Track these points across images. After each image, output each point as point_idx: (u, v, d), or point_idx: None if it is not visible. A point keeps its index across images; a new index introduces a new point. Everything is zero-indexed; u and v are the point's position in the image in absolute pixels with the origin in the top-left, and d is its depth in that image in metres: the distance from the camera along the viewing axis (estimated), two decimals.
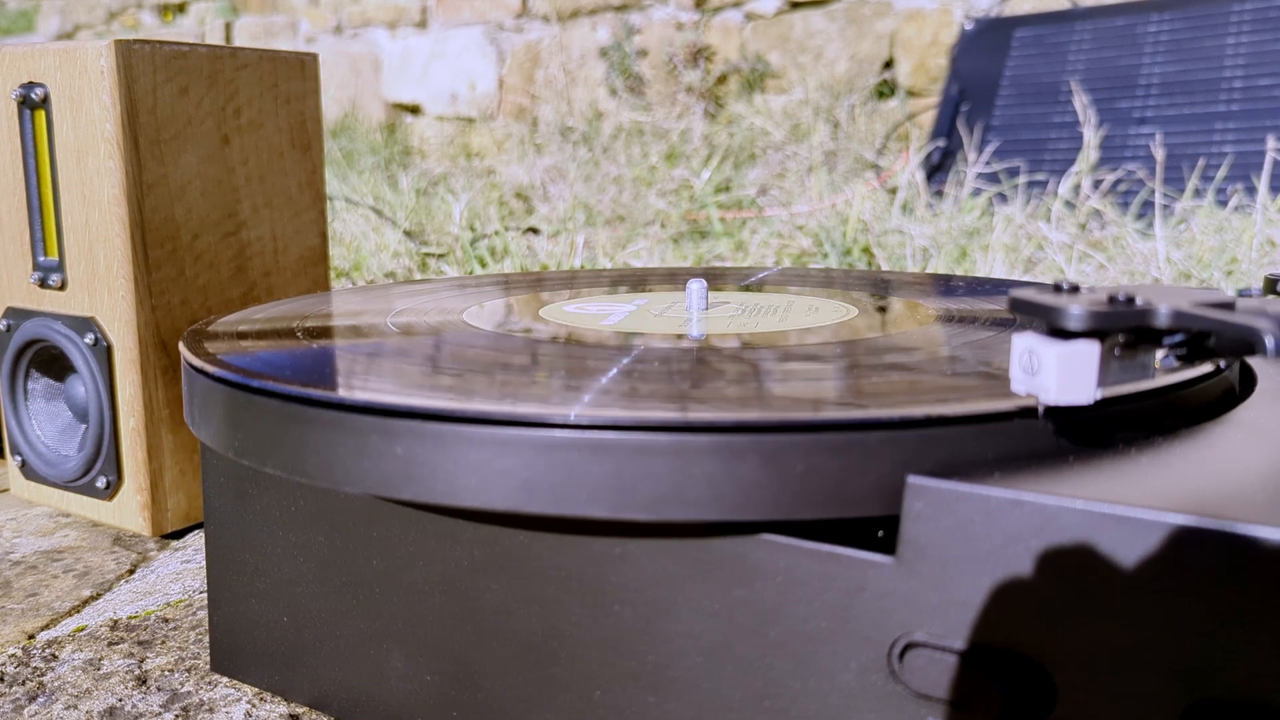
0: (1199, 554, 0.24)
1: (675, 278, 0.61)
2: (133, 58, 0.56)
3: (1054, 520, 0.26)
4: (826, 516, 0.29)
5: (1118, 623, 0.25)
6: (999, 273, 1.15)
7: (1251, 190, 1.26)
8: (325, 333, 0.44)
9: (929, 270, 1.21)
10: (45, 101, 0.58)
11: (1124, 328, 0.25)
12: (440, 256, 1.51)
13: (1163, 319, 0.25)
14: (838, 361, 0.37)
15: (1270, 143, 1.27)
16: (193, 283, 0.60)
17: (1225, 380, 0.36)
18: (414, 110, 2.55)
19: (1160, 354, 0.27)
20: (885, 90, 1.98)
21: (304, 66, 0.65)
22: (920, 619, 0.28)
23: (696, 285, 0.46)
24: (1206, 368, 0.33)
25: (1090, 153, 1.38)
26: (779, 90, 2.04)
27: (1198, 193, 1.26)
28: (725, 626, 0.30)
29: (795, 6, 2.03)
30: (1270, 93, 1.41)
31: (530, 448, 0.30)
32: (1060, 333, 0.26)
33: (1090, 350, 0.25)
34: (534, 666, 0.34)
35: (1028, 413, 0.29)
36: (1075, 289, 0.27)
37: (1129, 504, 0.25)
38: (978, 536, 0.27)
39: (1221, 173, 1.31)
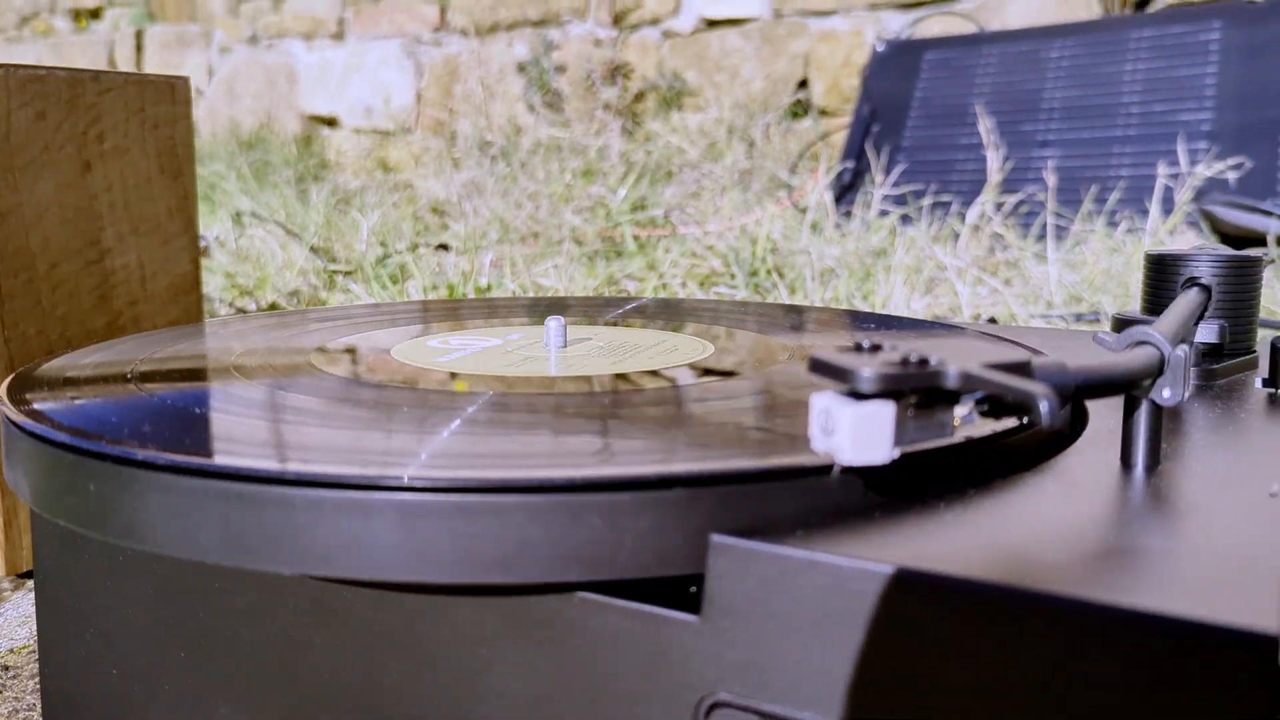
0: (985, 614, 0.24)
1: (537, 308, 0.61)
2: None
3: (847, 581, 0.25)
4: (643, 576, 0.29)
5: (905, 684, 0.25)
6: (899, 294, 1.17)
7: (1144, 213, 1.29)
8: (156, 377, 0.43)
9: (829, 293, 1.22)
10: None
11: (916, 389, 0.25)
12: (348, 274, 1.48)
13: (952, 380, 0.25)
14: (668, 410, 0.37)
15: (1161, 168, 1.30)
16: (50, 313, 0.58)
17: (1042, 431, 0.36)
18: (331, 123, 2.51)
19: (962, 411, 0.27)
20: (800, 110, 2.00)
21: (174, 90, 0.64)
22: (725, 678, 0.27)
23: (554, 324, 0.45)
24: (1011, 423, 0.33)
25: (994, 176, 1.41)
26: (696, 108, 2.05)
27: (1093, 216, 1.30)
28: (541, 684, 0.30)
29: (712, 25, 2.05)
30: (1164, 118, 1.45)
31: (345, 511, 0.29)
32: (856, 394, 0.26)
33: (884, 411, 0.25)
34: None
35: (843, 472, 0.29)
36: (876, 348, 0.27)
37: (918, 564, 0.25)
38: (777, 596, 0.26)
39: (1115, 196, 1.35)
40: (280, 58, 2.55)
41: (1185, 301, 0.41)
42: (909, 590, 0.25)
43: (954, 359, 0.26)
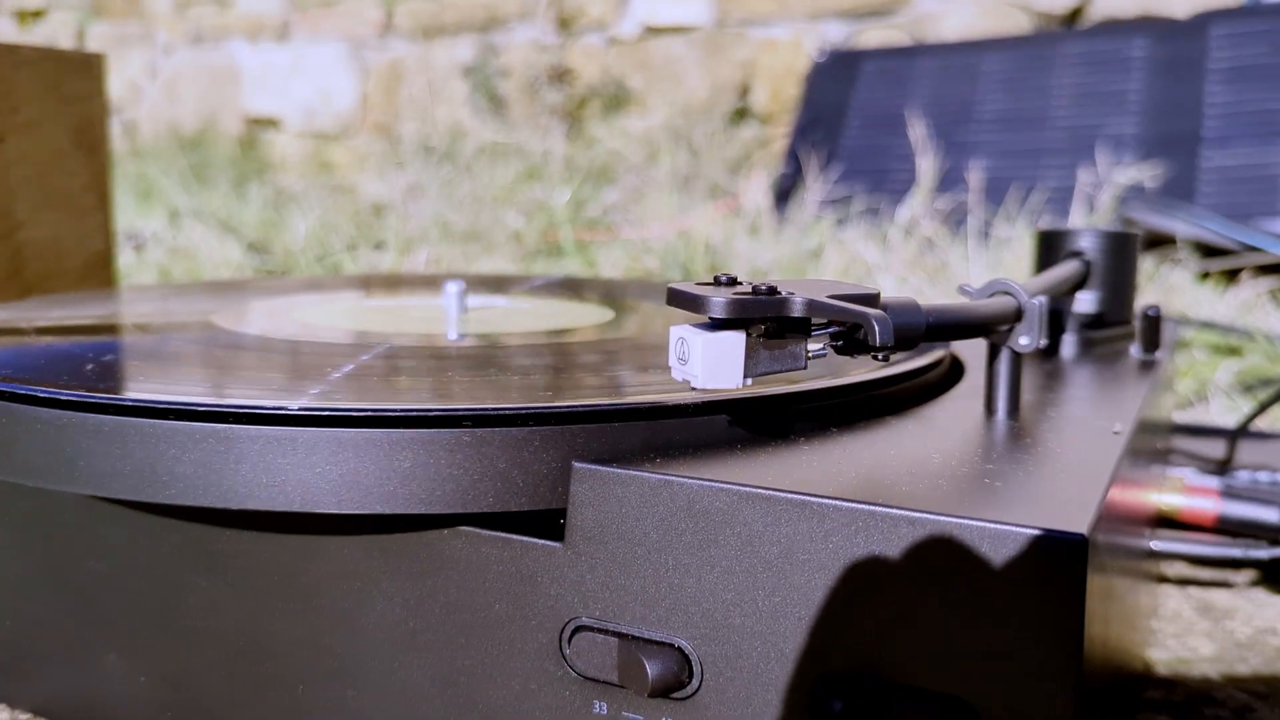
0: (825, 532, 0.25)
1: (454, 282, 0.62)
2: None
3: (699, 500, 0.27)
4: (517, 509, 0.30)
5: (753, 600, 0.26)
6: None
7: (1065, 217, 1.33)
8: (56, 331, 0.43)
9: None
10: None
11: (765, 317, 0.26)
12: (285, 273, 1.48)
13: (798, 308, 0.26)
14: (552, 359, 0.37)
15: (1084, 174, 1.34)
16: None
17: (923, 380, 0.37)
18: (274, 124, 2.50)
19: (814, 346, 0.28)
20: (742, 116, 2.02)
21: (90, 66, 0.64)
22: (587, 603, 0.28)
23: (454, 287, 0.46)
24: (895, 370, 0.35)
25: (926, 180, 1.44)
26: (640, 113, 2.07)
27: (1019, 220, 1.33)
28: (416, 617, 0.31)
29: (656, 32, 2.07)
30: (1090, 128, 1.49)
31: (233, 441, 0.30)
32: (709, 323, 0.27)
33: (735, 339, 0.27)
34: (242, 664, 0.34)
35: (704, 407, 0.30)
36: (733, 281, 0.28)
37: (763, 485, 0.26)
38: (635, 520, 0.27)
39: (1040, 201, 1.38)
40: (224, 58, 2.53)
41: (1060, 268, 0.43)
42: (756, 509, 0.26)
43: (804, 291, 0.27)
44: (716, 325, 0.27)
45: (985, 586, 0.24)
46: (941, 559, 0.24)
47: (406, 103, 2.28)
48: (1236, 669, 0.45)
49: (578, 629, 0.28)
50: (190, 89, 2.57)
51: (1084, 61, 1.58)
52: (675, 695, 0.27)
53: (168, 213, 1.79)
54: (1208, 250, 1.17)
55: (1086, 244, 0.47)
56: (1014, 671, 0.24)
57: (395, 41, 2.32)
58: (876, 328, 0.25)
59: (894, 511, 0.24)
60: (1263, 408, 0.58)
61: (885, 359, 0.29)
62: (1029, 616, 0.23)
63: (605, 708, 0.28)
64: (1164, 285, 1.13)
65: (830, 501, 0.25)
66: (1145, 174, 1.33)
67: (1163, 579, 0.54)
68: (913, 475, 0.27)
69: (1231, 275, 1.16)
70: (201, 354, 0.38)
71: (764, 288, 0.27)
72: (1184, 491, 0.48)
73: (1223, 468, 0.54)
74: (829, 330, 0.28)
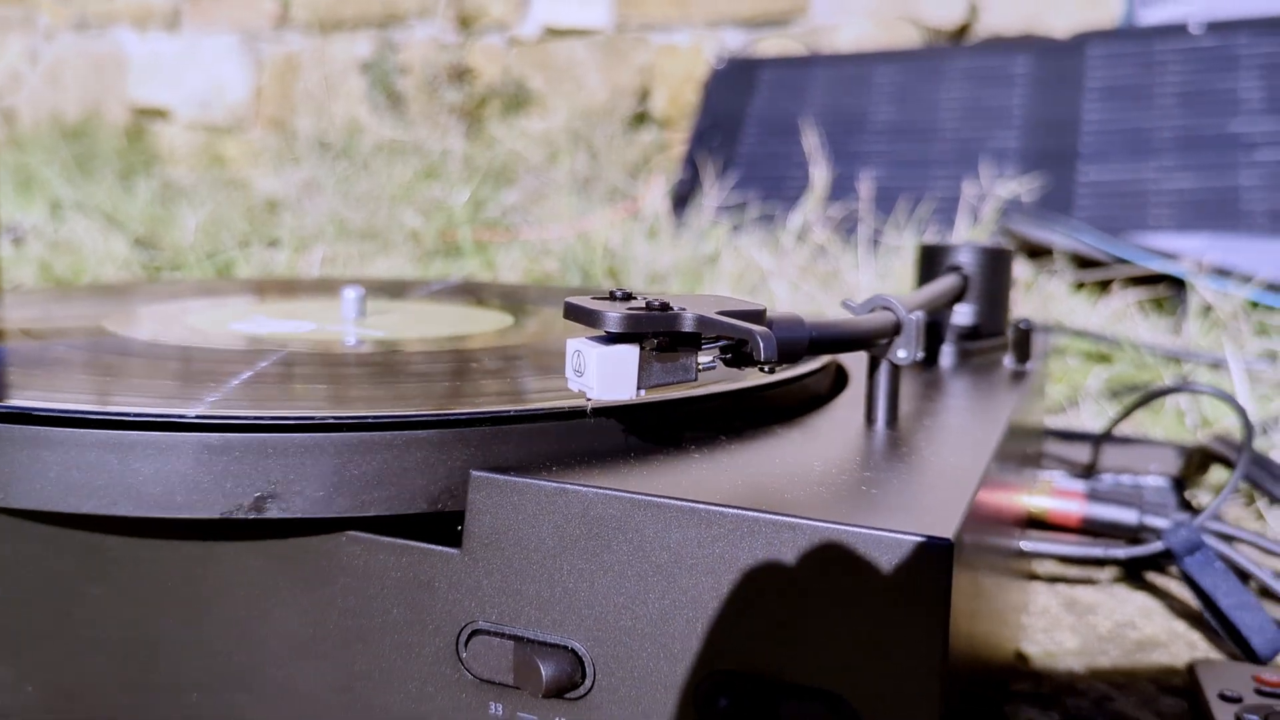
0: (712, 538, 0.27)
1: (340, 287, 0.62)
2: None
3: (593, 508, 0.28)
4: (411, 511, 0.30)
5: (643, 603, 0.27)
6: None
7: (951, 227, 1.38)
8: None
9: None
10: None
11: (657, 331, 0.28)
12: (175, 269, 1.44)
13: (688, 324, 0.28)
14: (447, 365, 0.38)
15: (969, 185, 1.39)
16: None
17: (805, 389, 0.39)
18: (163, 115, 2.43)
19: (705, 358, 0.30)
20: (642, 120, 2.04)
21: None
22: (484, 607, 0.29)
23: (352, 294, 0.46)
24: (775, 377, 0.36)
25: (819, 189, 1.47)
26: (540, 115, 2.07)
27: (906, 229, 1.37)
28: (313, 623, 0.31)
29: (557, 34, 2.07)
30: (976, 141, 1.55)
31: (125, 449, 0.30)
32: (604, 337, 0.28)
33: (629, 352, 0.28)
34: (133, 672, 0.34)
35: (595, 413, 0.31)
36: (628, 296, 0.29)
37: (654, 493, 0.27)
38: (531, 526, 0.28)
39: (928, 211, 1.43)
40: (109, 46, 2.45)
41: (938, 283, 0.45)
42: (647, 516, 0.27)
43: (694, 307, 0.28)
44: (612, 339, 0.28)
45: (860, 588, 0.25)
46: (821, 562, 0.26)
47: (302, 97, 2.24)
48: (1098, 661, 0.48)
49: (474, 633, 0.29)
50: (74, 77, 2.48)
51: (970, 76, 1.64)
52: (569, 695, 0.28)
53: (49, 205, 1.73)
54: (1083, 262, 1.23)
55: (964, 259, 0.50)
56: (886, 668, 0.25)
57: (291, 34, 2.28)
58: (761, 344, 0.26)
59: (776, 518, 0.26)
60: (1125, 414, 0.62)
61: (771, 371, 0.31)
62: (899, 616, 0.25)
63: (501, 709, 0.29)
64: (1042, 294, 1.18)
65: (717, 508, 0.26)
66: (1025, 187, 1.39)
67: (1034, 576, 0.57)
68: (795, 483, 0.29)
69: (1104, 286, 1.22)
70: (90, 360, 0.38)
71: (657, 303, 0.28)
72: (1052, 494, 0.51)
73: (1089, 471, 0.57)
74: (719, 344, 0.30)
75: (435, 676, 0.30)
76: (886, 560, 0.25)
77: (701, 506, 0.27)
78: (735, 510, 0.26)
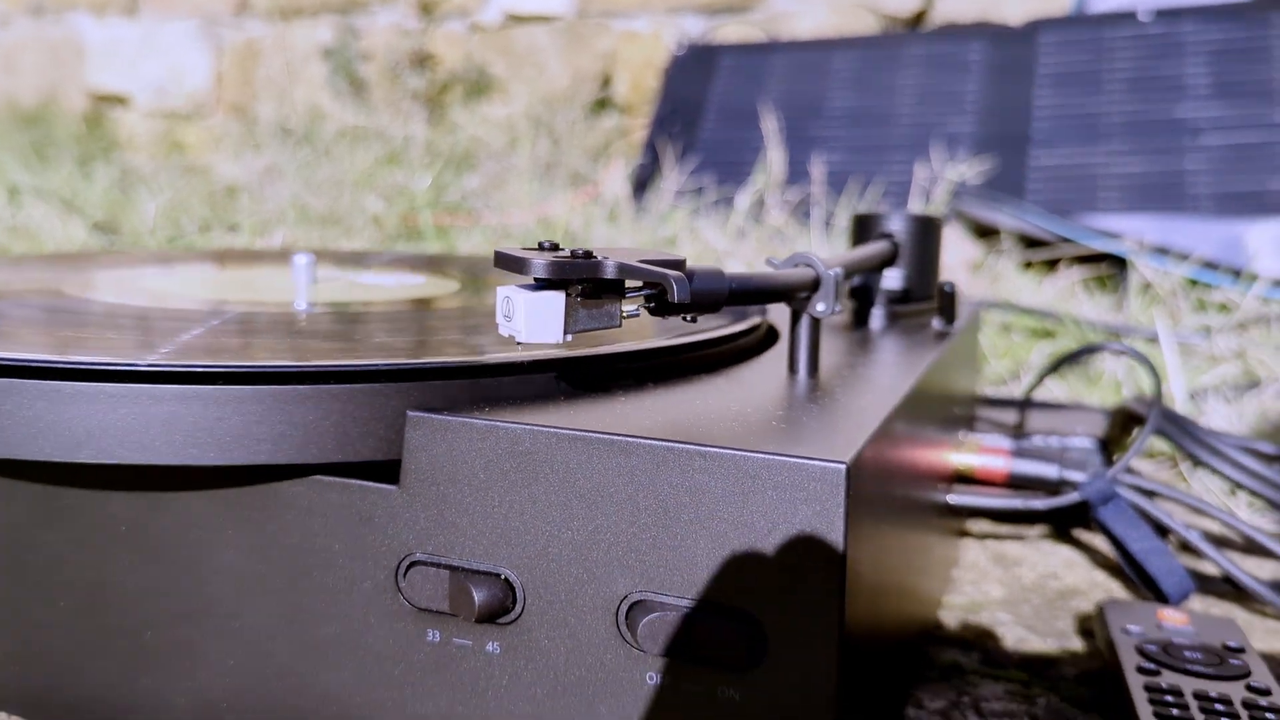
0: (631, 468, 0.28)
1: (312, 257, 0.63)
2: None
3: (521, 443, 0.29)
4: (359, 459, 0.32)
5: (569, 531, 0.29)
6: None
7: (904, 208, 1.41)
8: None
9: None
10: None
11: (581, 278, 0.30)
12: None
13: (610, 270, 0.30)
14: (389, 324, 0.40)
15: (922, 169, 1.42)
16: None
17: (738, 347, 0.41)
18: (122, 102, 2.41)
19: (629, 306, 0.32)
20: (603, 106, 2.05)
21: None
22: (420, 540, 0.31)
23: (303, 260, 0.48)
24: (707, 334, 0.38)
25: (774, 172, 1.50)
26: (502, 100, 2.08)
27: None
28: (259, 561, 0.33)
29: (518, 20, 2.08)
30: (931, 126, 1.58)
31: (91, 399, 0.31)
32: (532, 284, 0.30)
33: (555, 298, 0.30)
34: (87, 616, 0.35)
35: (534, 366, 0.33)
36: (555, 247, 0.31)
37: (578, 427, 0.29)
38: (464, 462, 0.30)
39: (880, 193, 1.45)
40: (67, 31, 2.43)
41: (866, 246, 0.47)
42: (572, 448, 0.29)
43: (617, 256, 0.30)
44: (539, 286, 0.30)
45: (766, 512, 0.27)
46: (730, 489, 0.28)
47: (263, 83, 2.24)
48: (1020, 609, 0.50)
49: (412, 564, 0.31)
50: (30, 62, 2.46)
51: (926, 63, 1.66)
52: (501, 620, 0.30)
53: (6, 190, 1.72)
54: (1030, 242, 1.26)
55: (895, 226, 0.52)
56: (790, 586, 0.28)
57: (251, 21, 2.27)
58: (675, 287, 0.28)
59: (689, 447, 0.28)
60: (1041, 377, 0.66)
61: (693, 320, 0.33)
62: (800, 537, 0.27)
63: (438, 635, 0.31)
64: (990, 273, 1.21)
65: (635, 439, 0.28)
66: (977, 170, 1.42)
67: (964, 534, 0.59)
68: (712, 420, 0.31)
69: (1051, 265, 1.25)
70: (48, 318, 0.39)
71: (581, 252, 0.30)
72: (979, 451, 0.54)
73: (1019, 433, 0.60)
74: (643, 293, 0.31)
75: (376, 607, 0.32)
76: (790, 485, 0.27)
77: (620, 438, 0.28)
78: (651, 441, 0.28)
